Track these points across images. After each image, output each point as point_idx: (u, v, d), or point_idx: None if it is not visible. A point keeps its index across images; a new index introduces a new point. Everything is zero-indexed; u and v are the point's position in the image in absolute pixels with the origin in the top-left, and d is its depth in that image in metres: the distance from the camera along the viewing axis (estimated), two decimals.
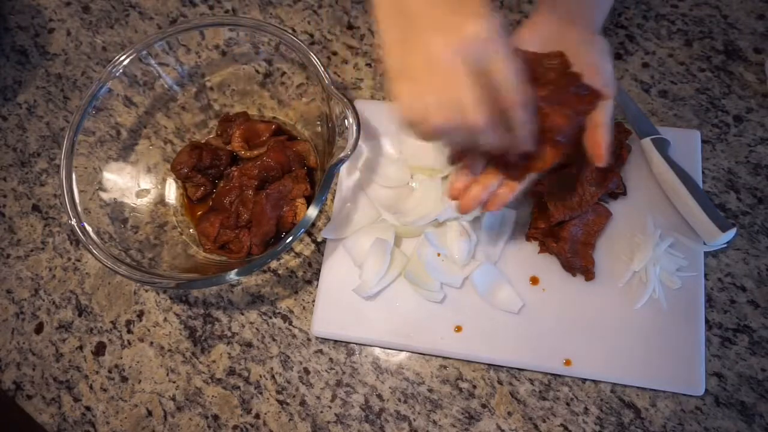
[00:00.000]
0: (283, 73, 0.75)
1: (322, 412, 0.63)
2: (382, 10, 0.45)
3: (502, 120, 0.44)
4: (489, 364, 0.63)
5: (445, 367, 0.63)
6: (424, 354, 0.64)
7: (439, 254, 0.64)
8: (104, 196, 0.67)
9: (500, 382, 0.62)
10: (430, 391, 0.63)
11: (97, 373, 0.67)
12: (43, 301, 0.71)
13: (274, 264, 0.69)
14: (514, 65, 0.42)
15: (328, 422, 0.63)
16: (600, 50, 0.54)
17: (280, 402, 0.64)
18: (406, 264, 0.64)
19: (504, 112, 0.43)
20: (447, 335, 0.62)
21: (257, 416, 0.64)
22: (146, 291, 0.70)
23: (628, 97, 0.69)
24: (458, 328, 0.62)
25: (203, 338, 0.67)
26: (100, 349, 0.68)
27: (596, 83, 0.50)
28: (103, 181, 0.68)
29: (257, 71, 0.75)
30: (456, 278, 0.63)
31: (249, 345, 0.66)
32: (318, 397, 0.63)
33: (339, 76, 0.77)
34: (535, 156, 0.50)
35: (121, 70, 0.68)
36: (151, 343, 0.68)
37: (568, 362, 0.60)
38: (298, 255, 0.69)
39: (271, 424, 0.63)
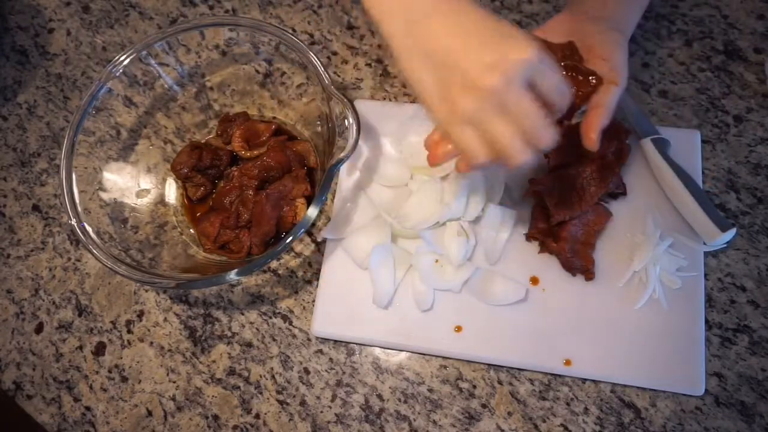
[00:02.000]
0: (283, 73, 0.75)
1: (322, 412, 0.63)
2: (406, 63, 0.43)
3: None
4: (489, 364, 0.63)
5: (445, 367, 0.63)
6: (424, 354, 0.64)
7: (437, 261, 0.64)
8: (104, 196, 0.67)
9: (500, 382, 0.62)
10: (430, 391, 0.63)
11: (97, 373, 0.67)
12: (43, 301, 0.71)
13: (274, 264, 0.69)
14: (558, 70, 0.43)
15: (328, 422, 0.63)
16: (613, 42, 0.55)
17: (280, 402, 0.64)
18: (410, 260, 0.65)
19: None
20: (447, 335, 0.62)
21: (257, 416, 0.64)
22: (146, 291, 0.70)
23: (629, 97, 0.69)
24: (458, 328, 0.63)
25: (203, 338, 0.67)
26: (100, 349, 0.68)
27: (602, 69, 0.52)
28: (103, 181, 0.68)
29: (257, 71, 0.75)
30: (451, 284, 0.63)
31: (249, 345, 0.66)
32: (318, 397, 0.63)
33: (339, 76, 0.77)
34: None
35: (121, 70, 0.68)
36: (151, 343, 0.68)
37: (568, 362, 0.60)
38: (298, 255, 0.69)
39: (271, 424, 0.63)
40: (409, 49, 0.43)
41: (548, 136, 0.43)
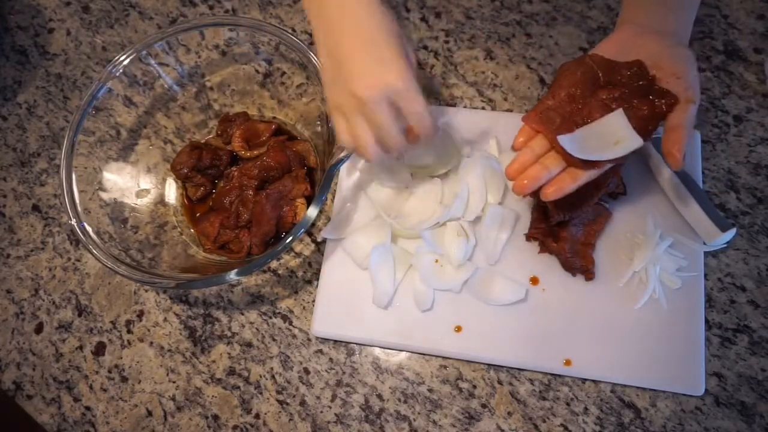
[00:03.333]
0: (283, 73, 0.75)
1: (322, 412, 0.63)
2: (319, 47, 0.52)
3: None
4: (489, 364, 0.63)
5: (445, 367, 0.63)
6: (424, 354, 0.64)
7: (437, 261, 0.64)
8: (104, 196, 0.67)
9: (500, 382, 0.62)
10: (430, 391, 0.63)
11: (97, 373, 0.67)
12: (43, 301, 0.71)
13: (274, 264, 0.69)
14: (421, 100, 0.50)
15: (328, 422, 0.63)
16: (684, 58, 0.54)
17: (280, 402, 0.64)
18: (410, 260, 0.65)
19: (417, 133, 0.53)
20: (447, 335, 0.62)
21: (257, 416, 0.64)
22: (146, 291, 0.70)
23: None
24: (458, 328, 0.63)
25: (203, 338, 0.67)
26: (100, 349, 0.68)
27: (677, 88, 0.52)
28: (103, 181, 0.68)
29: (257, 71, 0.75)
30: (451, 284, 0.63)
31: (249, 345, 0.66)
32: (318, 397, 0.63)
33: None
34: None
35: (121, 70, 0.68)
36: (151, 343, 0.68)
37: (568, 362, 0.60)
38: (298, 255, 0.69)
39: (271, 424, 0.63)
40: (323, 38, 0.52)
41: (396, 144, 0.52)
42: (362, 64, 0.49)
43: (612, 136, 0.52)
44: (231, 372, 0.65)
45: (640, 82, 0.52)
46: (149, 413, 0.65)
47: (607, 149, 0.52)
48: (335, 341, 0.65)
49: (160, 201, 0.71)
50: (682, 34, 0.57)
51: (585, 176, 0.53)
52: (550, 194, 0.53)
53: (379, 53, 0.49)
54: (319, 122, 0.70)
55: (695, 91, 0.52)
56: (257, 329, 0.67)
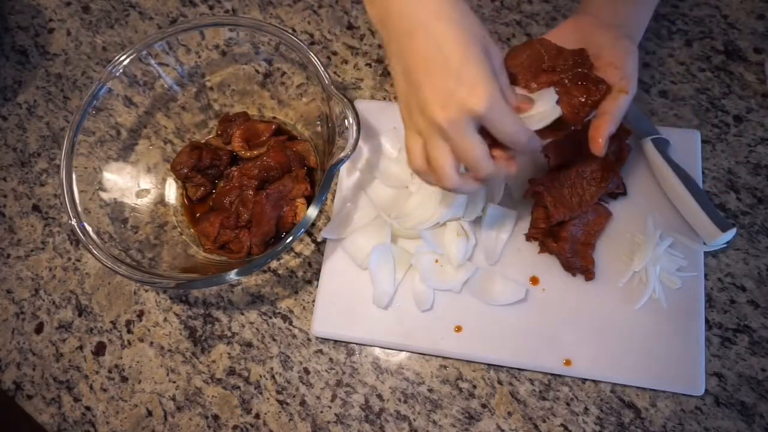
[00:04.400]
0: (283, 73, 0.75)
1: (322, 412, 0.63)
2: (389, 56, 0.48)
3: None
4: (489, 364, 0.63)
5: (445, 367, 0.63)
6: (424, 354, 0.64)
7: (437, 261, 0.64)
8: (104, 196, 0.67)
9: (500, 382, 0.62)
10: (430, 391, 0.63)
11: (97, 373, 0.67)
12: (43, 301, 0.71)
13: (274, 264, 0.69)
14: (516, 120, 0.46)
15: (328, 422, 0.63)
16: (625, 50, 0.55)
17: (280, 402, 0.64)
18: (410, 260, 0.65)
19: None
20: (447, 335, 0.62)
21: (257, 416, 0.64)
22: (146, 291, 0.70)
23: None
24: (458, 328, 0.63)
25: (203, 338, 0.67)
26: (100, 349, 0.68)
27: (612, 78, 0.53)
28: (103, 181, 0.68)
29: (257, 71, 0.75)
30: (451, 284, 0.63)
31: (249, 345, 0.66)
32: (318, 397, 0.63)
33: (339, 76, 0.77)
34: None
35: (121, 70, 0.68)
36: (151, 343, 0.68)
37: (568, 362, 0.60)
38: (298, 255, 0.69)
39: (271, 424, 0.63)
40: (394, 56, 0.47)
41: (485, 169, 0.47)
42: (439, 88, 0.44)
43: (539, 109, 0.52)
44: (231, 372, 0.65)
45: (579, 70, 0.53)
46: (149, 413, 0.65)
47: (532, 122, 0.52)
48: (335, 341, 0.65)
49: (160, 201, 0.71)
50: (632, 28, 0.58)
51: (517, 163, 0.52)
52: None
53: (457, 71, 0.43)
54: (319, 122, 0.70)
55: (630, 82, 0.53)
56: (257, 329, 0.67)
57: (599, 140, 0.53)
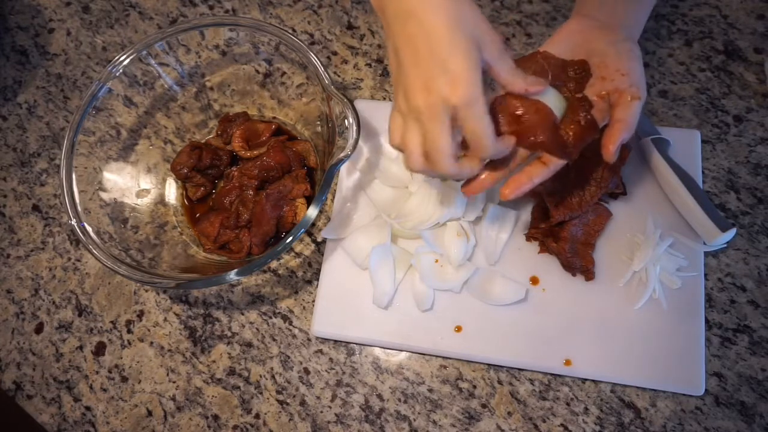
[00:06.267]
0: (283, 73, 0.75)
1: (322, 412, 0.63)
2: (386, 38, 0.49)
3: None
4: (489, 364, 0.63)
5: (445, 367, 0.63)
6: (424, 354, 0.64)
7: (437, 261, 0.64)
8: (104, 196, 0.67)
9: (500, 382, 0.62)
10: (430, 391, 0.63)
11: (97, 373, 0.67)
12: (43, 301, 0.71)
13: (274, 264, 0.69)
14: (486, 122, 0.46)
15: (328, 422, 0.63)
16: (630, 54, 0.54)
17: (280, 402, 0.64)
18: (410, 260, 0.65)
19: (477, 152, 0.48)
20: (447, 335, 0.62)
21: (257, 416, 0.64)
22: (146, 291, 0.70)
23: None
24: (458, 328, 0.63)
25: (203, 338, 0.67)
26: (100, 349, 0.68)
27: (622, 85, 0.52)
28: (103, 181, 0.68)
29: (257, 71, 0.75)
30: (451, 284, 0.63)
31: (249, 345, 0.66)
32: (318, 397, 0.63)
33: (339, 76, 0.77)
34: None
35: (121, 70, 0.67)
36: (151, 343, 0.68)
37: (568, 362, 0.60)
38: (298, 255, 0.69)
39: (271, 424, 0.63)
40: (389, 39, 0.48)
41: (444, 167, 0.48)
42: (422, 72, 0.45)
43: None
44: (231, 372, 0.65)
45: (585, 84, 0.53)
46: (149, 413, 0.65)
47: None
48: (335, 341, 0.65)
49: (160, 201, 0.71)
50: (632, 27, 0.57)
51: (539, 176, 0.53)
52: (507, 194, 0.53)
53: (443, 61, 0.44)
54: (319, 122, 0.70)
55: (640, 87, 0.53)
56: (257, 329, 0.67)
57: (610, 147, 0.52)
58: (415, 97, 0.46)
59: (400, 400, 0.63)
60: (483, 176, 0.53)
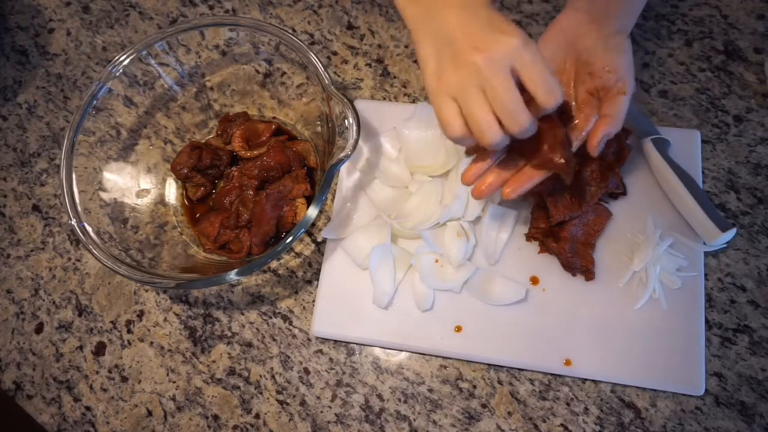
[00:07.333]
0: (283, 73, 0.75)
1: (322, 412, 0.63)
2: (419, 37, 0.49)
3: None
4: (489, 364, 0.63)
5: (445, 367, 0.63)
6: (424, 354, 0.64)
7: (437, 261, 0.64)
8: (104, 196, 0.67)
9: (500, 382, 0.62)
10: (430, 391, 0.63)
11: (97, 373, 0.67)
12: (43, 301, 0.71)
13: (274, 264, 0.69)
14: (544, 62, 0.45)
15: (328, 422, 0.63)
16: (618, 49, 0.55)
17: (280, 402, 0.64)
18: (410, 260, 0.65)
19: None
20: (447, 335, 0.62)
21: (257, 416, 0.64)
22: (146, 291, 0.70)
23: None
24: (458, 328, 0.63)
25: (203, 338, 0.67)
26: (100, 349, 0.68)
27: (608, 82, 0.53)
28: (103, 181, 0.68)
29: (257, 71, 0.75)
30: (451, 284, 0.63)
31: (249, 345, 0.66)
32: (318, 397, 0.63)
33: (339, 76, 0.77)
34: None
35: (121, 70, 0.68)
36: (151, 343, 0.68)
37: (568, 362, 0.60)
38: (298, 255, 0.69)
39: (271, 424, 0.63)
40: (424, 29, 0.48)
41: (522, 120, 0.45)
42: (476, 30, 0.45)
43: None
44: (231, 372, 0.65)
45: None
46: (149, 413, 0.65)
47: None
48: (335, 341, 0.65)
49: (160, 201, 0.71)
50: (624, 19, 0.57)
51: (540, 175, 0.53)
52: (508, 194, 0.53)
53: (492, 24, 0.45)
54: (319, 122, 0.70)
55: (627, 82, 0.54)
56: (257, 329, 0.67)
57: (594, 141, 0.54)
58: (471, 55, 0.45)
59: (400, 400, 0.63)
60: (491, 178, 0.54)
